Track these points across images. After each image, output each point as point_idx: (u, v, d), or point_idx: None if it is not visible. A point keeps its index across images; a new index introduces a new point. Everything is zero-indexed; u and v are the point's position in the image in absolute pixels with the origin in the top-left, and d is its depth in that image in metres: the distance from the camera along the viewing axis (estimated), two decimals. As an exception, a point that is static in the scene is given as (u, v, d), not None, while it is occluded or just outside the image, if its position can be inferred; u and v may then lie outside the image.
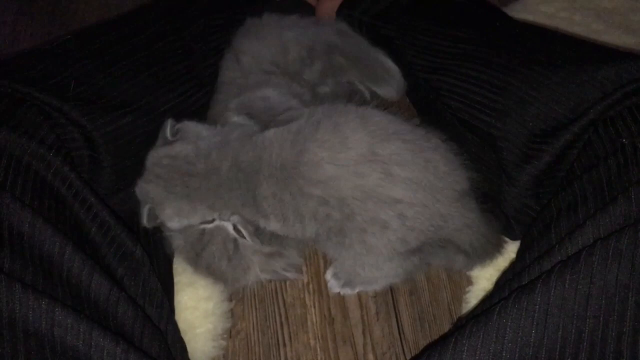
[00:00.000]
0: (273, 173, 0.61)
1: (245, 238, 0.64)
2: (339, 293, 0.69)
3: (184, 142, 0.64)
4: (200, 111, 0.75)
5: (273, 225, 0.63)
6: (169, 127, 0.65)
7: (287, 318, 0.68)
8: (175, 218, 0.64)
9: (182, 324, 0.63)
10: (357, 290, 0.69)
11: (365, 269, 0.64)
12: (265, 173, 0.61)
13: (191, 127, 0.67)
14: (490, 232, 0.63)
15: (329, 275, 0.70)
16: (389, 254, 0.60)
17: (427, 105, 0.76)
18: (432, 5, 0.82)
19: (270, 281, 0.70)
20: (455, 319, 0.67)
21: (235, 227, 0.64)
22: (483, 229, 0.62)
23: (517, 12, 0.99)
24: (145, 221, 0.64)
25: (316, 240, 0.64)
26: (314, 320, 0.67)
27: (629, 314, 0.41)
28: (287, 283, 0.70)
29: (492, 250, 0.64)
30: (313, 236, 0.63)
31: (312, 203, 0.60)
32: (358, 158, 0.58)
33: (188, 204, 0.63)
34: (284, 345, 0.66)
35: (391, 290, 0.69)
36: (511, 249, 0.66)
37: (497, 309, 0.43)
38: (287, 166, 0.60)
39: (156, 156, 0.64)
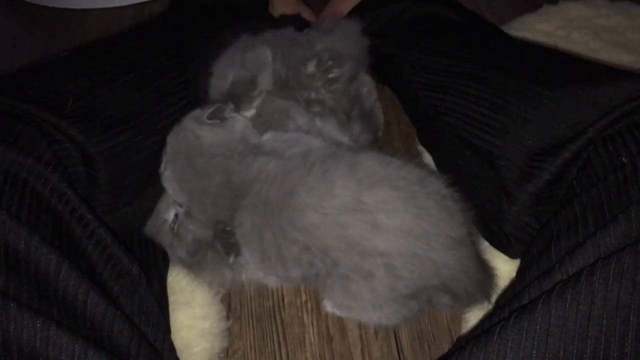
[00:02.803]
0: (257, 204, 0.60)
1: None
2: (333, 312, 0.68)
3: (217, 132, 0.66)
4: None
5: (248, 257, 0.64)
6: (226, 110, 0.68)
7: (284, 337, 0.67)
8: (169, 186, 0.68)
9: (178, 343, 0.62)
10: (345, 314, 0.68)
11: (352, 311, 0.64)
12: (249, 201, 0.61)
13: (238, 124, 0.68)
14: (485, 279, 0.62)
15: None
16: (376, 301, 0.59)
17: (427, 124, 0.76)
18: (432, 23, 0.83)
19: (267, 298, 0.70)
20: (455, 339, 0.66)
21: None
22: (479, 276, 0.61)
23: (515, 30, 1.00)
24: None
25: (304, 281, 0.64)
26: (312, 339, 0.67)
27: (630, 334, 0.40)
28: (285, 301, 0.70)
29: (483, 297, 0.62)
30: (299, 278, 0.62)
31: (295, 248, 0.59)
32: (342, 207, 0.57)
33: (177, 186, 0.66)
34: (282, 364, 0.65)
35: (390, 308, 0.69)
36: (511, 267, 0.66)
37: (498, 330, 0.43)
38: (272, 204, 0.60)
39: (190, 127, 0.66)
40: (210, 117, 0.67)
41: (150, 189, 0.68)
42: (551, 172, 0.56)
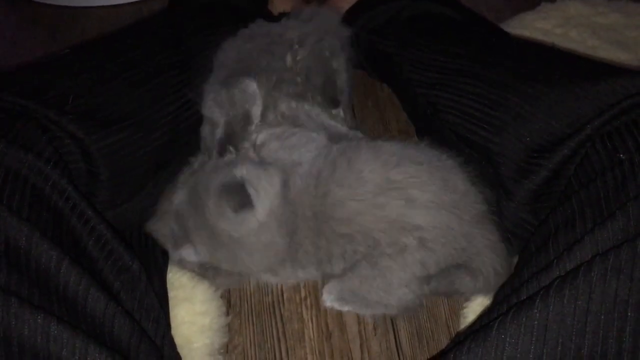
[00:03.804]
0: (309, 225, 0.61)
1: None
2: (332, 307, 0.68)
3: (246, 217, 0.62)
4: (195, 125, 0.75)
5: (309, 273, 0.65)
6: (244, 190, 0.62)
7: (284, 333, 0.67)
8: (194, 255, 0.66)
9: (178, 339, 0.62)
10: (346, 308, 0.68)
11: (371, 293, 0.63)
12: (302, 227, 0.62)
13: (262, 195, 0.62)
14: (507, 257, 0.63)
15: (324, 289, 0.69)
16: (406, 277, 0.60)
17: (426, 121, 0.77)
18: (430, 21, 0.83)
19: (267, 294, 0.70)
20: (454, 334, 0.66)
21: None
22: (503, 253, 0.62)
23: (513, 28, 1.00)
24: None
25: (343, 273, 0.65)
26: (312, 335, 0.67)
27: (628, 329, 0.40)
28: (285, 297, 0.70)
29: (504, 276, 0.62)
30: (339, 273, 0.64)
31: (342, 242, 0.60)
32: (375, 189, 0.59)
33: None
34: (281, 360, 0.65)
35: (389, 305, 0.69)
36: (509, 264, 0.66)
37: (496, 325, 0.43)
38: (317, 212, 0.61)
39: (223, 229, 0.62)
40: (235, 209, 0.61)
41: (150, 185, 0.68)
42: (549, 169, 0.56)
